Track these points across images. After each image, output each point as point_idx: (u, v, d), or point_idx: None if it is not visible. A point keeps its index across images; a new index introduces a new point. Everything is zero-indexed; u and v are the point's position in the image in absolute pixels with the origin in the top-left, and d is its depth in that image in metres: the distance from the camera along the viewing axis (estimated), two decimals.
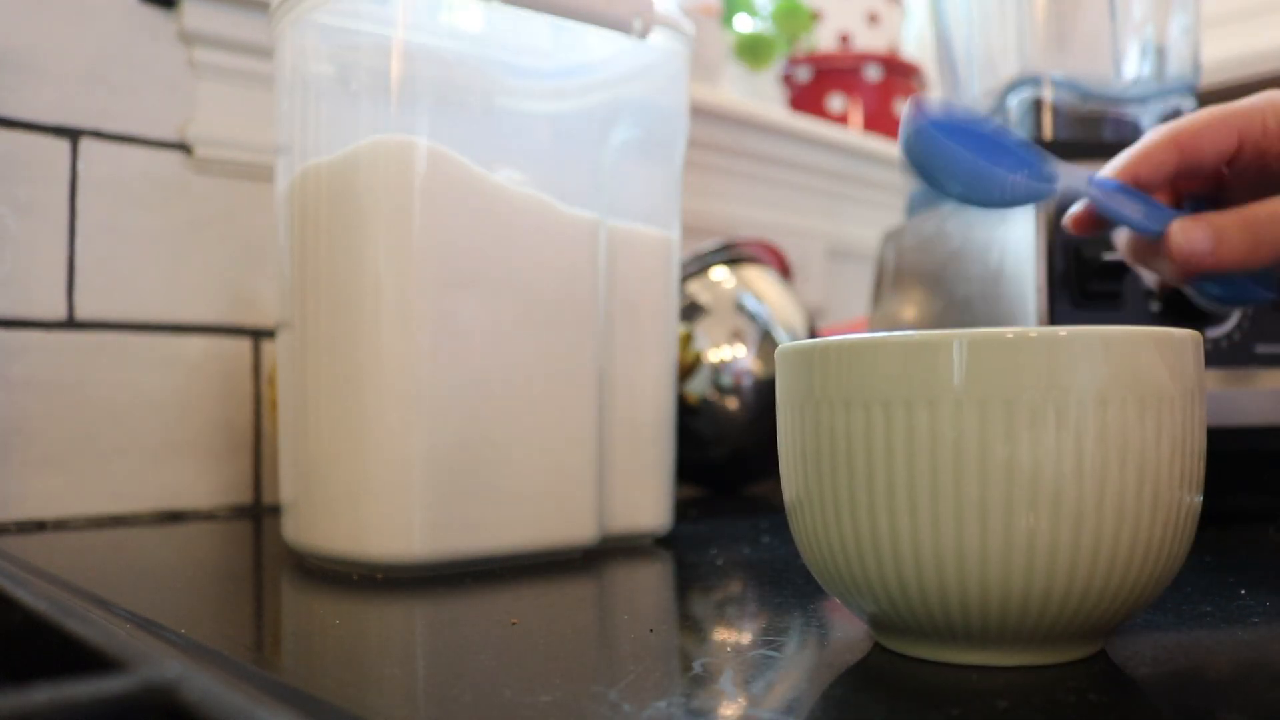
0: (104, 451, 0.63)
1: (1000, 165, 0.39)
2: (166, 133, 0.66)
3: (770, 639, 0.32)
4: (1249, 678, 0.27)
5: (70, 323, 0.62)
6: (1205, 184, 0.45)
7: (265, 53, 0.67)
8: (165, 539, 0.56)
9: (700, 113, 0.92)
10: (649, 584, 0.44)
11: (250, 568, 0.48)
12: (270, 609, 0.40)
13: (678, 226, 0.53)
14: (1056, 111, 0.66)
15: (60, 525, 0.60)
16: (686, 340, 0.71)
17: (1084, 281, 0.56)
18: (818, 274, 1.08)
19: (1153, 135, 0.42)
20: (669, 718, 0.23)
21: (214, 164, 0.67)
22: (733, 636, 0.33)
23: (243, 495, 0.68)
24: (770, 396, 0.72)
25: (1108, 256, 0.55)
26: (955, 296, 0.64)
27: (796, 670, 0.28)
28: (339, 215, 0.43)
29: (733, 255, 0.75)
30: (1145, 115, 0.67)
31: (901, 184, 1.14)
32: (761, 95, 1.11)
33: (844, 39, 1.16)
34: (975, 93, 0.71)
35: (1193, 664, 0.29)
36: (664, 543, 0.51)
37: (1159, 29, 0.67)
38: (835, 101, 1.13)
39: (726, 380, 0.71)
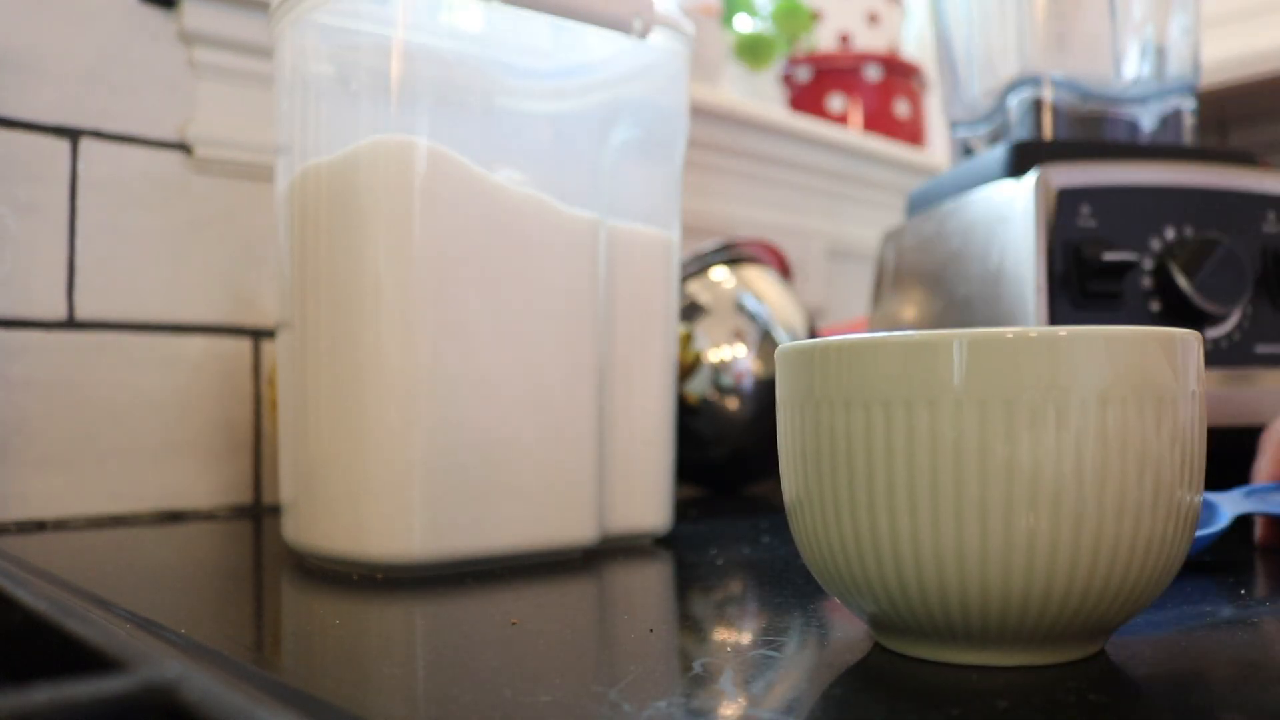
0: (104, 451, 0.63)
1: None
2: (166, 133, 0.66)
3: (770, 639, 0.32)
4: (1249, 678, 0.27)
5: (70, 323, 0.62)
6: None
7: (265, 53, 0.67)
8: (165, 539, 0.56)
9: (700, 113, 0.92)
10: (649, 584, 0.44)
11: (250, 568, 0.48)
12: (270, 609, 0.40)
13: (678, 226, 0.53)
14: (1056, 111, 0.66)
15: (60, 525, 0.60)
16: (686, 340, 0.71)
17: (1084, 281, 0.56)
18: (818, 274, 1.08)
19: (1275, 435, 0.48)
20: (669, 717, 0.23)
21: (214, 164, 0.68)
22: (733, 636, 0.33)
23: (243, 495, 0.68)
24: (770, 396, 0.72)
25: (1108, 257, 0.55)
26: (955, 296, 0.64)
27: (796, 670, 0.28)
28: (339, 215, 0.43)
29: (733, 255, 0.75)
30: (1145, 115, 0.67)
31: (901, 184, 1.14)
32: (761, 95, 1.11)
33: (844, 39, 1.16)
34: (975, 93, 0.71)
35: (1193, 664, 0.29)
36: (664, 543, 0.51)
37: (1159, 29, 0.67)
38: (835, 101, 1.13)
39: (726, 380, 0.71)
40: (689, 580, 0.44)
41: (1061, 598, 0.26)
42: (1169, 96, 0.67)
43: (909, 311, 0.68)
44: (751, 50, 1.09)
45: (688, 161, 0.55)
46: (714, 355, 0.72)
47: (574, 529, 0.46)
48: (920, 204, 0.72)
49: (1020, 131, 0.67)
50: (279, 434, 0.48)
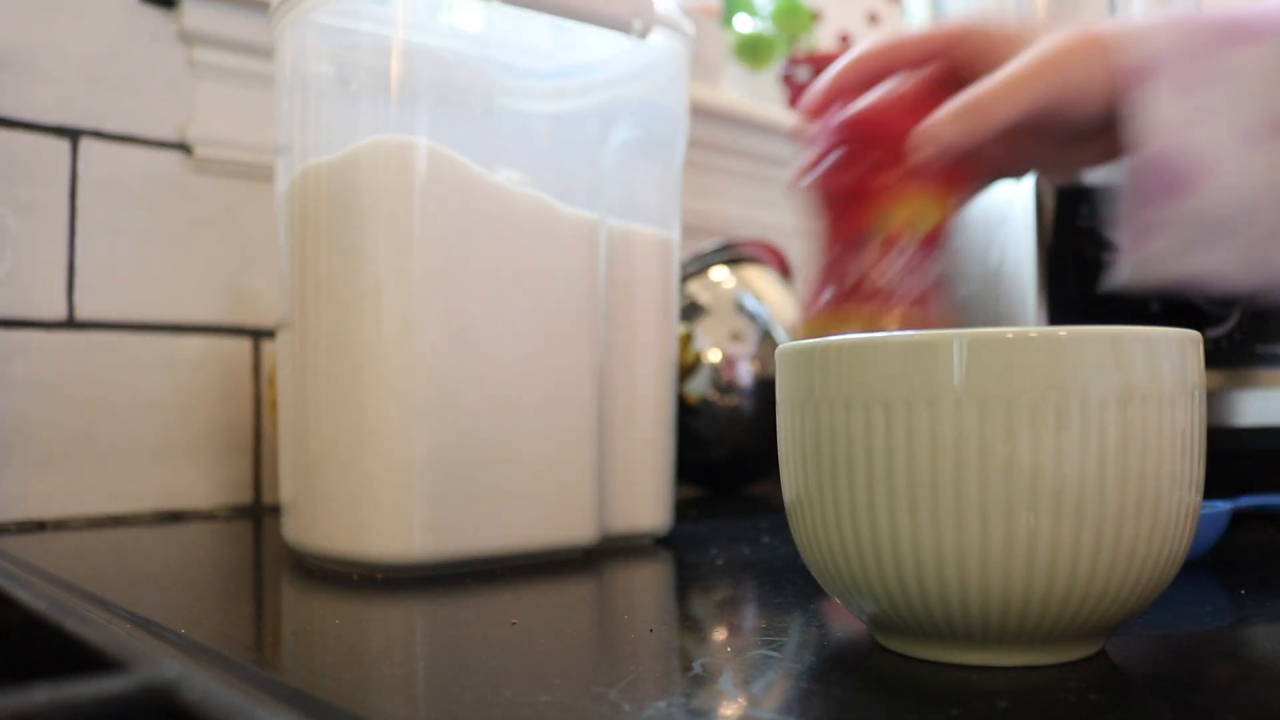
0: (104, 451, 0.63)
1: None
2: (166, 133, 0.66)
3: (770, 639, 0.32)
4: (1249, 678, 0.27)
5: (70, 323, 0.62)
6: None
7: (265, 53, 0.67)
8: (165, 539, 0.56)
9: (700, 113, 0.92)
10: (649, 584, 0.44)
11: (250, 568, 0.48)
12: (270, 609, 0.40)
13: (678, 226, 0.53)
14: None
15: (60, 525, 0.60)
16: (686, 340, 0.71)
17: (1084, 281, 0.56)
18: None
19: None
20: (669, 718, 0.23)
21: (214, 164, 0.68)
22: (733, 636, 0.33)
23: (243, 495, 0.68)
24: (770, 396, 0.72)
25: (1108, 257, 0.55)
26: (955, 297, 0.64)
27: (796, 670, 0.28)
28: (339, 215, 0.43)
29: (733, 255, 0.75)
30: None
31: None
32: (761, 95, 1.11)
33: (844, 39, 1.16)
34: None
35: (1193, 664, 0.29)
36: (664, 543, 0.51)
37: None
38: None
39: (726, 380, 0.71)
40: (689, 580, 0.44)
41: (1062, 598, 0.26)
42: None
43: None
44: (751, 50, 1.09)
45: (688, 161, 0.55)
46: (714, 355, 0.72)
47: (574, 529, 0.46)
48: None
49: None
50: (279, 434, 0.48)
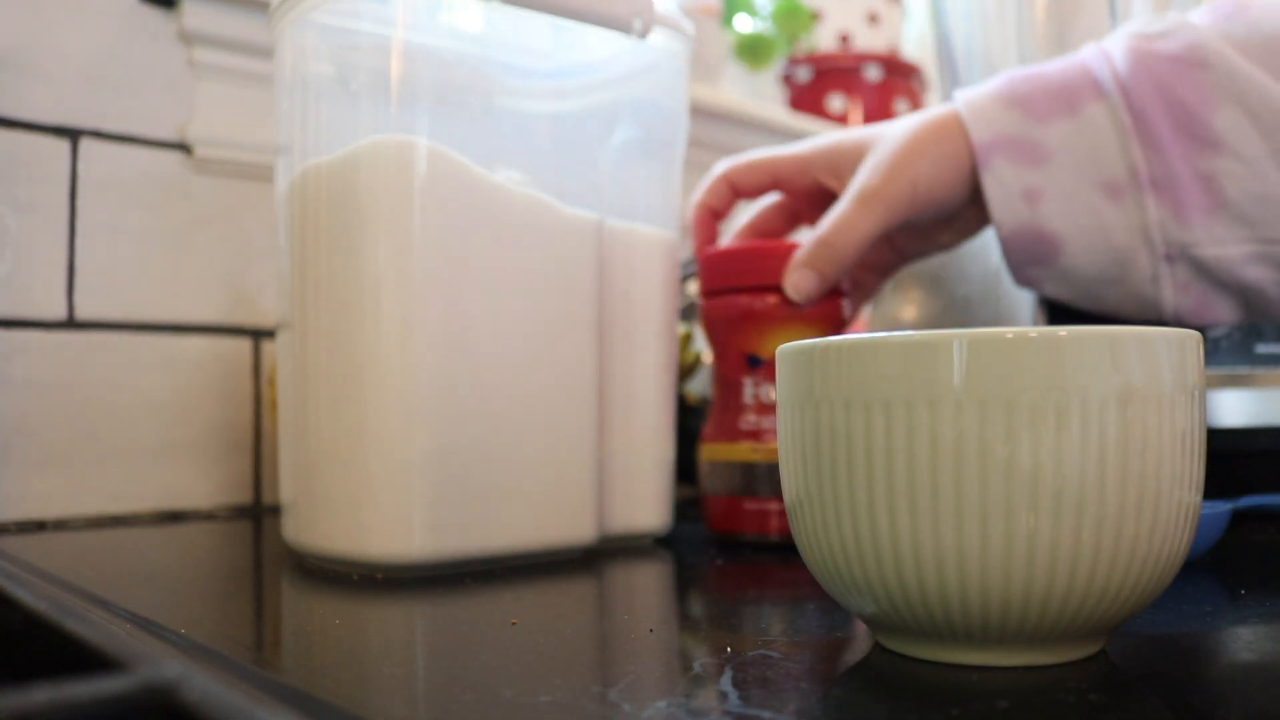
0: (104, 451, 0.63)
1: None
2: (166, 133, 0.66)
3: (770, 639, 0.32)
4: (1249, 678, 0.27)
5: (70, 323, 0.62)
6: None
7: (265, 52, 0.67)
8: (165, 539, 0.56)
9: (700, 113, 0.92)
10: (649, 584, 0.44)
11: (250, 568, 0.48)
12: (270, 609, 0.40)
13: (678, 226, 0.53)
14: None
15: (60, 525, 0.60)
16: (686, 340, 0.71)
17: None
18: None
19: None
20: (669, 718, 0.23)
21: (214, 164, 0.68)
22: (732, 636, 0.33)
23: (242, 495, 0.68)
24: None
25: None
26: (955, 296, 0.64)
27: (796, 670, 0.28)
28: (339, 215, 0.43)
29: None
30: None
31: None
32: (761, 95, 1.11)
33: (844, 39, 1.16)
34: None
35: (1193, 664, 0.29)
36: (664, 543, 0.51)
37: None
38: (835, 101, 1.13)
39: None
40: (689, 580, 0.44)
41: (1062, 598, 0.26)
42: None
43: (909, 311, 0.68)
44: (751, 50, 1.09)
45: (688, 161, 0.55)
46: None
47: (574, 529, 0.46)
48: None
49: None
50: (279, 434, 0.48)
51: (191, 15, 0.66)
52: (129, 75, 0.65)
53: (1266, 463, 0.54)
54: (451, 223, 0.43)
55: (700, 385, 0.71)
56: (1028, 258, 0.50)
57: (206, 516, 0.64)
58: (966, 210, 0.52)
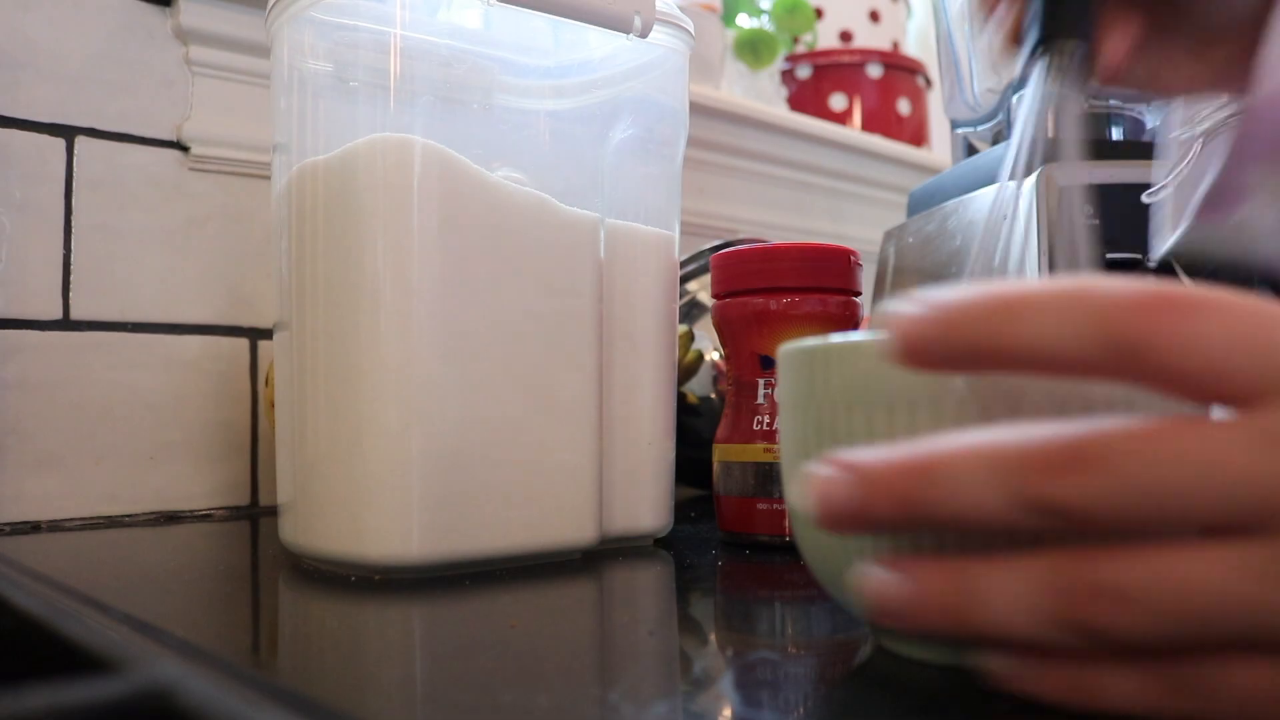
0: (99, 452, 0.63)
1: None
2: (163, 131, 0.66)
3: (770, 640, 0.31)
4: None
5: (65, 322, 0.62)
6: None
7: (262, 50, 0.66)
8: (161, 540, 0.56)
9: (701, 111, 0.92)
10: (648, 585, 0.44)
11: (247, 569, 0.48)
12: (267, 611, 0.40)
13: (678, 226, 0.53)
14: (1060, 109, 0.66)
15: (55, 526, 0.59)
16: (686, 340, 0.71)
17: None
18: None
19: None
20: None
21: (210, 162, 0.67)
22: (732, 638, 0.33)
23: (239, 496, 0.68)
24: None
25: (1109, 256, 0.55)
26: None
27: (796, 671, 0.28)
28: (337, 214, 0.43)
29: None
30: (1150, 113, 0.67)
31: (903, 182, 1.14)
32: (762, 93, 1.11)
33: (845, 36, 1.16)
34: (977, 91, 0.71)
35: None
36: (664, 543, 0.51)
37: None
38: (837, 100, 1.13)
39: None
40: (689, 581, 0.44)
41: None
42: None
43: None
44: (752, 48, 1.09)
45: (688, 161, 0.54)
46: (714, 355, 0.71)
47: (573, 530, 0.46)
48: (921, 202, 0.71)
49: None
50: (276, 435, 0.48)
51: (188, 13, 0.65)
52: (125, 73, 0.65)
53: None
54: (450, 222, 0.42)
55: (700, 385, 0.71)
56: (1267, 144, 0.37)
57: (203, 518, 0.64)
58: (1241, 33, 0.39)
